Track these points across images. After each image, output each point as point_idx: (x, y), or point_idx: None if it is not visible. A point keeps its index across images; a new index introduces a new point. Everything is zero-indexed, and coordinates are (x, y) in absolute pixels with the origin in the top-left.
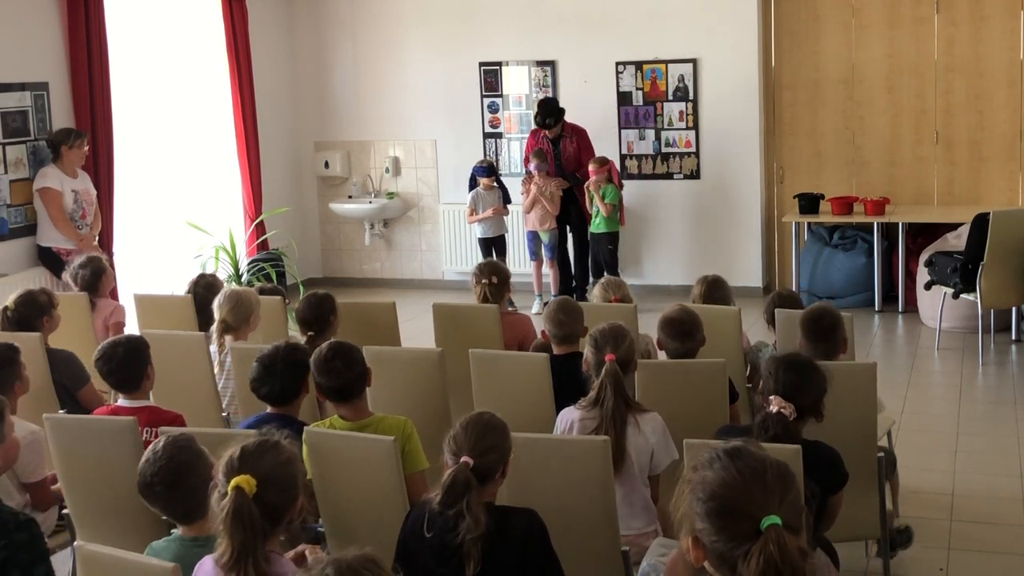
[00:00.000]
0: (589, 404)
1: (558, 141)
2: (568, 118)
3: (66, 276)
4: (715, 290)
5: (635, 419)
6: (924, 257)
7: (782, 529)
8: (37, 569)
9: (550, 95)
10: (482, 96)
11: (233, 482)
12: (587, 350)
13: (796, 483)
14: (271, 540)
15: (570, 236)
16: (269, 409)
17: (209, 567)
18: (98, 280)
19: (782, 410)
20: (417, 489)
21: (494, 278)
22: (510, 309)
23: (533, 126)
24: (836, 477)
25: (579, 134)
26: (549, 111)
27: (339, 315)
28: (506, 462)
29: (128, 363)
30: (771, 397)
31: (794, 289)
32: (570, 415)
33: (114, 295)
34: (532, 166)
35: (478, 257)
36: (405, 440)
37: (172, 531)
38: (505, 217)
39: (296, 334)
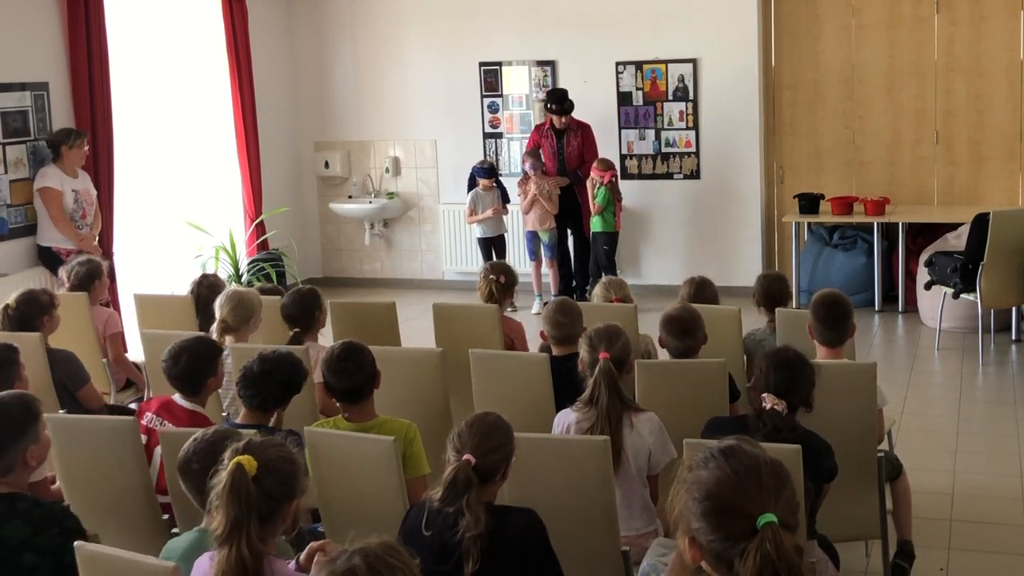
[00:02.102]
0: (584, 403)
1: (563, 135)
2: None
3: (61, 272)
4: (703, 291)
5: (631, 419)
6: (924, 257)
7: (778, 527)
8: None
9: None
10: (482, 96)
11: (234, 459)
12: (582, 350)
13: (791, 480)
14: (267, 537)
15: (570, 236)
16: (241, 415)
17: (206, 565)
18: (91, 281)
19: (775, 407)
20: (417, 493)
21: (502, 277)
22: (509, 310)
23: (536, 121)
24: (827, 469)
25: (584, 129)
26: (558, 98)
27: (324, 310)
28: (508, 464)
29: (190, 369)
30: (763, 395)
31: (793, 289)
32: (566, 418)
33: (115, 301)
34: (527, 166)
35: (478, 257)
36: (407, 444)
37: (173, 531)
38: (504, 217)
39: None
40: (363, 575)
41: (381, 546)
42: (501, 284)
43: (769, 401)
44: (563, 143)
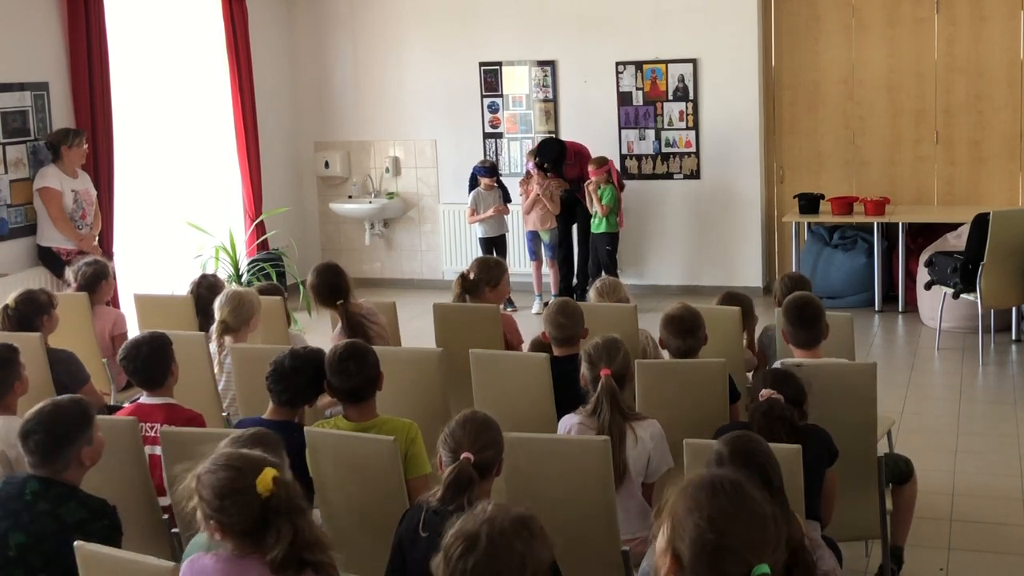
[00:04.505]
0: (588, 413)
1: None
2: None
3: (68, 272)
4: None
5: (632, 428)
6: (924, 257)
7: None
8: None
9: (552, 135)
10: (482, 96)
11: (266, 478)
12: (583, 366)
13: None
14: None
15: (575, 234)
16: (269, 410)
17: (211, 564)
18: (98, 282)
19: (772, 395)
20: (419, 493)
21: (471, 274)
22: (508, 310)
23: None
24: (828, 453)
25: (581, 156)
26: (548, 157)
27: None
28: (501, 459)
29: (151, 361)
30: (762, 391)
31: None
32: (570, 421)
33: (115, 302)
34: (531, 165)
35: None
36: (409, 444)
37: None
38: (505, 216)
39: (297, 333)
40: (480, 547)
41: (513, 521)
42: (468, 280)
43: (766, 393)
44: (562, 171)
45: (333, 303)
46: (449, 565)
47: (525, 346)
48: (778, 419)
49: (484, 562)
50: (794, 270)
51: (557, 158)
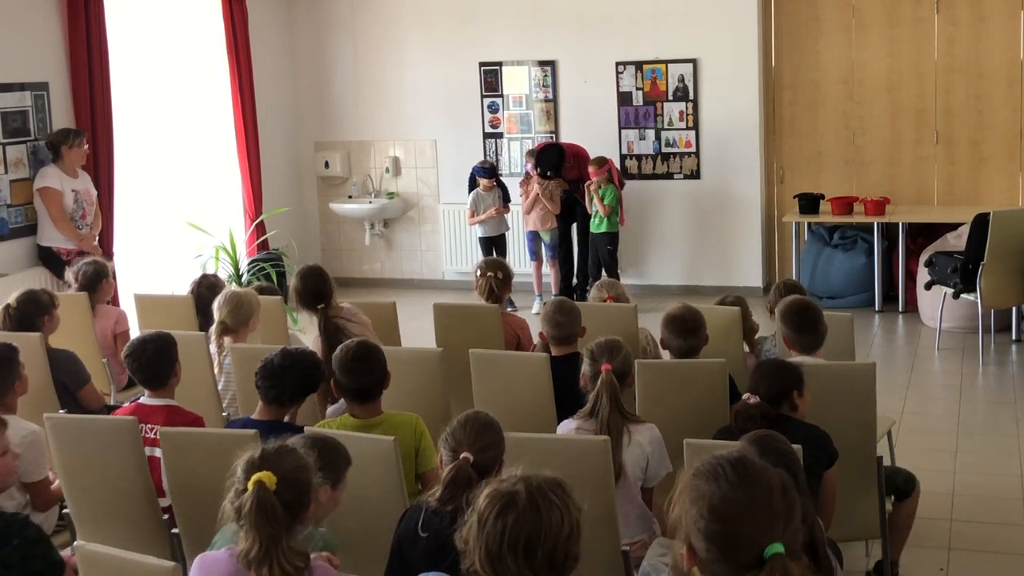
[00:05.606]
0: (585, 416)
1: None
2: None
3: (68, 273)
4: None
5: (629, 430)
6: (924, 257)
7: (786, 558)
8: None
9: (552, 135)
10: (482, 96)
11: (254, 477)
12: (584, 364)
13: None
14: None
15: (575, 234)
16: (258, 410)
17: (224, 558)
18: (98, 282)
19: (748, 399)
20: (434, 485)
21: (499, 273)
22: (509, 310)
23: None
24: (827, 455)
25: (579, 158)
26: (548, 165)
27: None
28: (502, 460)
29: (156, 361)
30: (745, 394)
31: None
32: (567, 427)
33: (115, 301)
34: (530, 166)
35: (478, 256)
36: (419, 437)
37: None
38: (506, 216)
39: (297, 332)
40: (521, 503)
41: (546, 480)
42: (499, 280)
43: (746, 397)
44: (561, 174)
45: (314, 307)
46: (485, 527)
47: None
48: (749, 419)
49: (525, 518)
50: (793, 271)
51: (557, 164)
